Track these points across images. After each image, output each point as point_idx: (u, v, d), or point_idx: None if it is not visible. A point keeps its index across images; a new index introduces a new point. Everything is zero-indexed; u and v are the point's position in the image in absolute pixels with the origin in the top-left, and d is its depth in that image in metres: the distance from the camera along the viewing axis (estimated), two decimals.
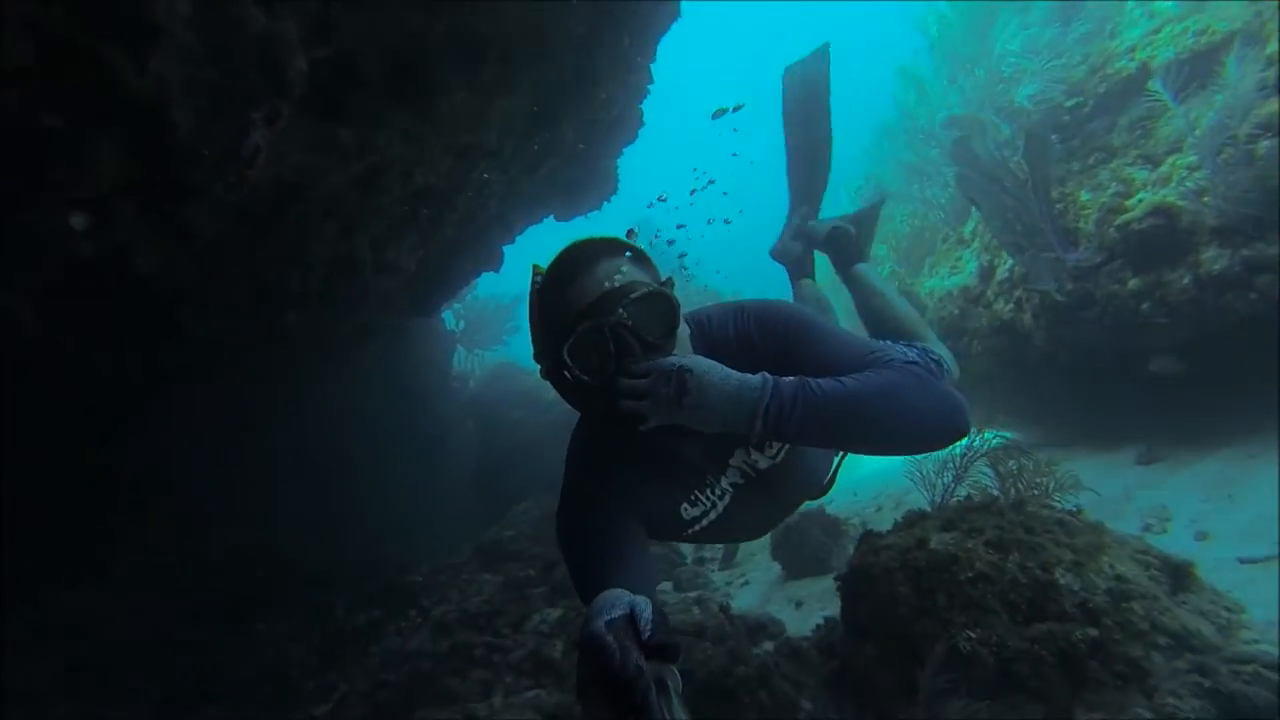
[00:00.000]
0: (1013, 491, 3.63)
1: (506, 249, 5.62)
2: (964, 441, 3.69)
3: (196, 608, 4.33)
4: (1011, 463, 3.83)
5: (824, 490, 1.92)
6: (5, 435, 2.54)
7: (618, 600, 1.01)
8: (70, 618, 3.78)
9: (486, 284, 8.05)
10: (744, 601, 4.57)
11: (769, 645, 3.16)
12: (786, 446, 1.56)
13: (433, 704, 3.22)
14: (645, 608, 0.96)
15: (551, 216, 5.61)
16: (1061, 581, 2.25)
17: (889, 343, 1.72)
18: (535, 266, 1.38)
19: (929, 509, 3.00)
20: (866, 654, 2.41)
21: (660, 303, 1.29)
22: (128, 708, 3.61)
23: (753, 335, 1.45)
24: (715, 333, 1.49)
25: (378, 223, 3.10)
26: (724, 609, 3.22)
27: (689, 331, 1.38)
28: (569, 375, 1.27)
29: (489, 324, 9.77)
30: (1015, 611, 2.28)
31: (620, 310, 1.25)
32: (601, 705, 0.88)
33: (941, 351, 1.99)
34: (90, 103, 1.49)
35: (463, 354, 9.88)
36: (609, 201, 5.77)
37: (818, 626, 2.94)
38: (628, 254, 1.32)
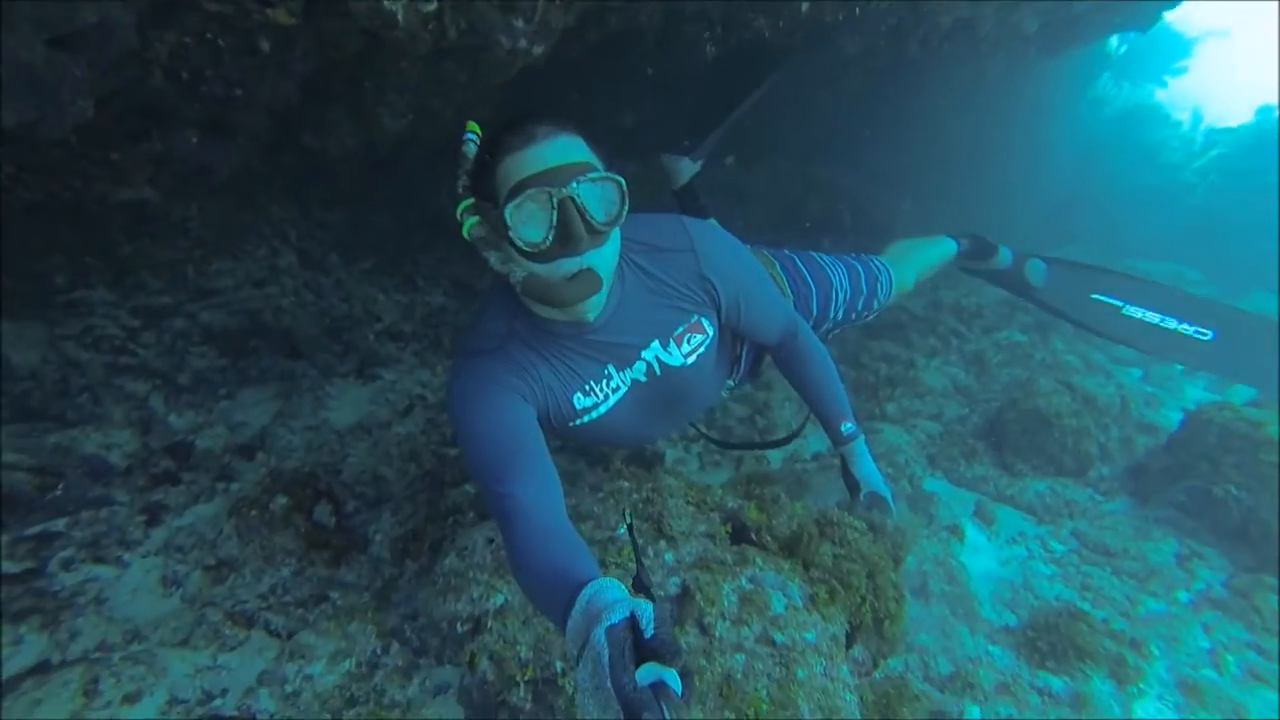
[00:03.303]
0: None
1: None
2: None
3: None
4: None
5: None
6: None
7: (617, 603, 0.98)
8: None
9: None
10: None
11: None
12: (700, 350, 1.72)
13: None
14: (646, 609, 0.93)
15: None
16: None
17: (791, 309, 2.03)
18: (470, 125, 1.44)
19: None
20: None
21: (613, 191, 1.35)
22: None
23: (709, 282, 1.66)
24: (665, 254, 1.63)
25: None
26: None
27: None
28: (510, 238, 1.32)
29: (1153, 54, 8.79)
30: None
31: (574, 184, 1.29)
32: (602, 710, 0.86)
33: (894, 269, 2.72)
34: None
35: (1108, 80, 9.25)
36: None
37: None
38: (583, 138, 1.37)
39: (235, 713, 1.89)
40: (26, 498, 2.35)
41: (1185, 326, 3.21)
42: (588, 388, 1.62)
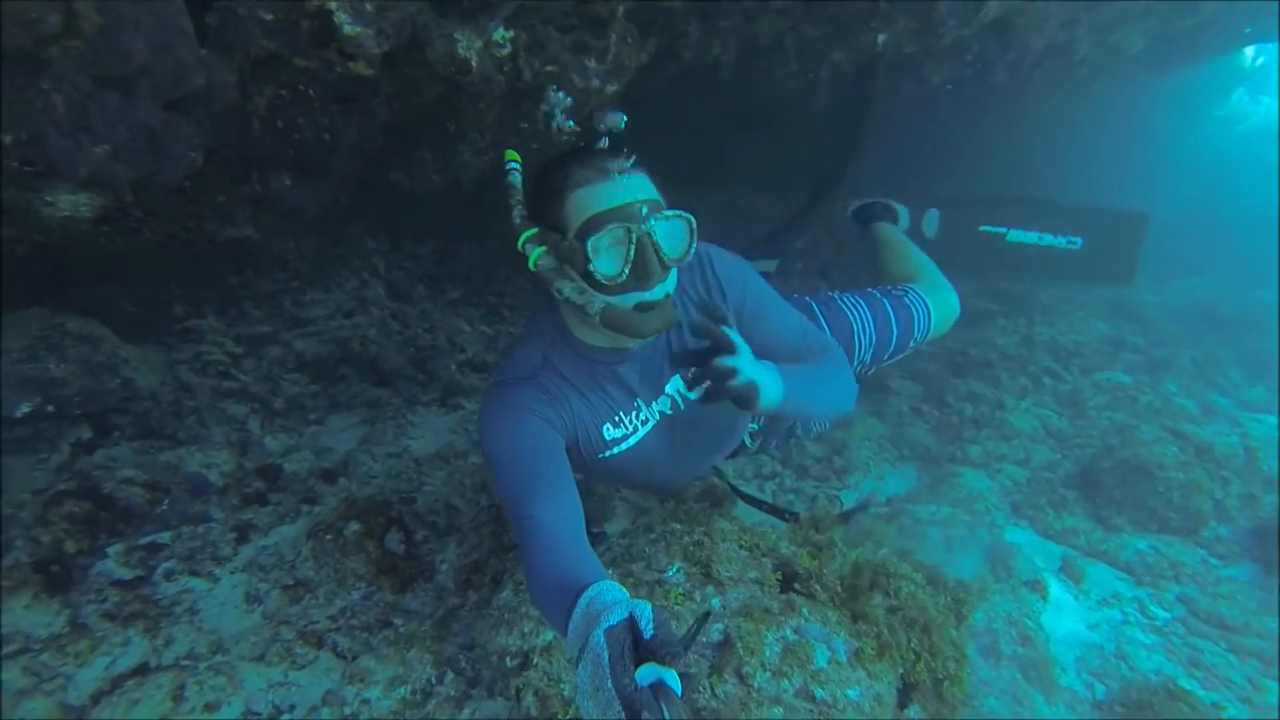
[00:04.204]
0: None
1: None
2: None
3: None
4: None
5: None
6: None
7: (616, 604, 0.98)
8: None
9: None
10: None
11: None
12: None
13: None
14: (645, 609, 0.93)
15: None
16: None
17: (814, 327, 1.87)
18: (509, 154, 1.51)
19: None
20: None
21: (683, 228, 1.39)
22: None
23: (718, 283, 1.66)
24: (681, 273, 1.59)
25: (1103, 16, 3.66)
26: None
27: None
28: (588, 270, 1.34)
29: None
30: None
31: (651, 221, 1.33)
32: (603, 710, 0.86)
33: (932, 297, 2.37)
34: None
35: (1242, 96, 8.49)
36: None
37: None
38: (647, 173, 1.40)
39: None
40: (140, 510, 2.57)
41: (1058, 240, 3.28)
42: (618, 418, 1.65)
